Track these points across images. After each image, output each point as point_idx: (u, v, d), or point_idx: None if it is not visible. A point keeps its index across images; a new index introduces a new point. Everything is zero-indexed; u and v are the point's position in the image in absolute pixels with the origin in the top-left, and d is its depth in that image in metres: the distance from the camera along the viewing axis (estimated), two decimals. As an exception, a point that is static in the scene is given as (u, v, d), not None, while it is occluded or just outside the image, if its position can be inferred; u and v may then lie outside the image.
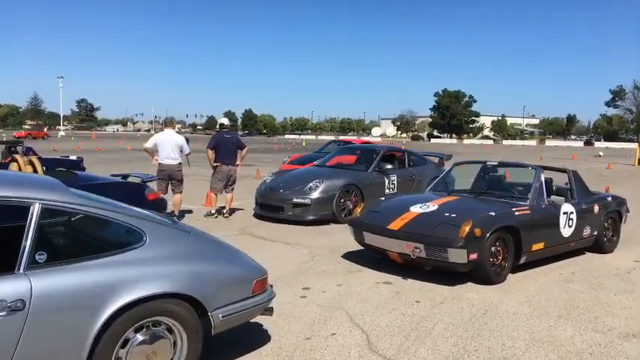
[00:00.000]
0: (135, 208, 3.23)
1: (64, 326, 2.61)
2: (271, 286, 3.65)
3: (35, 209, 2.65)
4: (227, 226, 8.37)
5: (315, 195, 8.58)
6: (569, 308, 4.78)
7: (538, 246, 5.89)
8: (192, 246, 3.31)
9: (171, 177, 8.46)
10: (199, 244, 3.40)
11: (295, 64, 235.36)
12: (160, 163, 8.45)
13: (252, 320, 3.68)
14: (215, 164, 9.01)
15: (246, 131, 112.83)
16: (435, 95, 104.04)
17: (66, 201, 2.79)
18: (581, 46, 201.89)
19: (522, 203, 5.97)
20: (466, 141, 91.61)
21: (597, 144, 75.82)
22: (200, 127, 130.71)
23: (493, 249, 5.41)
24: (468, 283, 5.40)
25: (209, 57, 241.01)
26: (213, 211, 9.07)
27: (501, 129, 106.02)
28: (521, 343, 3.93)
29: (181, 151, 8.55)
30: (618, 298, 5.11)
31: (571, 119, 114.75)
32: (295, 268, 5.89)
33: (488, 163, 7.18)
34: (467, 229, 5.13)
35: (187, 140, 8.94)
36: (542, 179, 6.31)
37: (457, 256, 5.15)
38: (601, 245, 6.96)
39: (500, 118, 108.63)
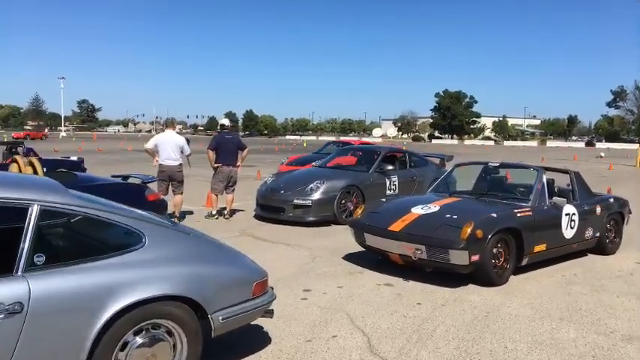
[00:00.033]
0: (134, 210, 3.21)
1: (63, 329, 2.59)
2: (272, 288, 3.62)
3: (33, 211, 2.63)
4: (228, 227, 8.35)
5: (316, 196, 8.56)
6: (572, 310, 4.75)
7: (540, 247, 5.86)
8: (192, 248, 3.28)
9: (172, 178, 8.44)
10: (199, 246, 3.38)
11: (296, 65, 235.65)
12: (160, 164, 8.44)
13: (252, 322, 3.65)
14: (216, 165, 9.00)
15: (247, 132, 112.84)
16: (435, 96, 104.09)
17: (64, 202, 2.77)
18: (582, 47, 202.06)
19: (524, 204, 5.95)
20: (467, 142, 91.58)
21: (598, 145, 75.73)
22: (201, 128, 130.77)
23: (495, 250, 5.39)
24: (470, 285, 5.37)
25: (210, 58, 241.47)
26: (213, 212, 9.05)
27: (502, 130, 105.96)
28: (523, 346, 3.90)
29: (182, 151, 8.54)
30: (621, 300, 5.08)
31: (572, 120, 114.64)
32: (296, 270, 5.86)
33: (489, 164, 7.15)
34: (468, 230, 5.11)
35: (188, 141, 8.93)
36: (544, 180, 6.28)
37: (459, 257, 5.12)
38: (603, 247, 6.93)
39: (501, 118, 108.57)
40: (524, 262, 5.72)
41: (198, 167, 13.79)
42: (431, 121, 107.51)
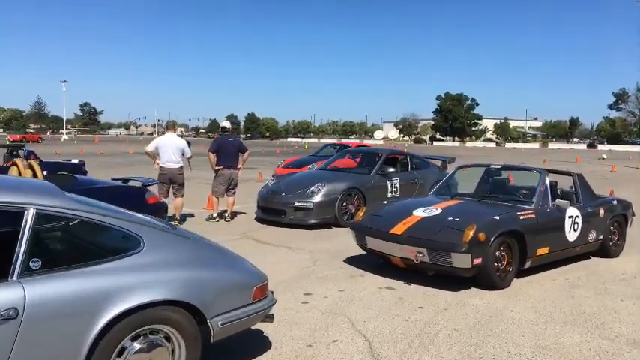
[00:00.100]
0: (132, 213, 3.17)
1: (59, 334, 2.55)
2: (272, 292, 3.58)
3: (30, 215, 2.60)
4: (229, 230, 8.32)
5: (317, 199, 8.52)
6: (576, 314, 4.70)
7: (543, 250, 5.81)
8: (191, 252, 3.24)
9: (173, 181, 8.42)
10: (198, 250, 3.34)
11: (297, 66, 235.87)
12: (161, 167, 8.41)
13: (252, 327, 3.61)
14: (217, 168, 8.98)
15: (249, 134, 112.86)
16: (437, 98, 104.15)
17: (61, 206, 2.73)
18: (584, 49, 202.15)
19: (527, 207, 5.90)
20: (469, 144, 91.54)
21: (600, 147, 75.63)
22: (203, 131, 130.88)
23: (497, 253, 5.34)
24: (472, 288, 5.33)
25: (211, 60, 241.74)
26: (214, 215, 9.02)
27: (504, 132, 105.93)
28: (526, 351, 3.85)
29: (183, 154, 8.52)
30: (625, 304, 5.02)
31: (574, 122, 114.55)
32: (297, 273, 5.82)
33: (491, 166, 7.10)
34: (471, 233, 5.06)
35: (189, 144, 8.91)
36: (547, 183, 6.24)
37: (461, 260, 5.08)
38: (607, 249, 6.87)
39: (502, 121, 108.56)
40: (527, 265, 5.67)
41: (199, 170, 13.77)
42: (432, 123, 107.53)
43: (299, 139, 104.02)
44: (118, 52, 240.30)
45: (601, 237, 6.72)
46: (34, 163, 6.41)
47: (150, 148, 8.59)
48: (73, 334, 2.57)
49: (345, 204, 8.74)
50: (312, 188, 8.65)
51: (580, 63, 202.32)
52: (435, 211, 5.78)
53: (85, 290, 2.61)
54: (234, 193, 9.11)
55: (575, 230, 6.23)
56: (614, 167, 27.73)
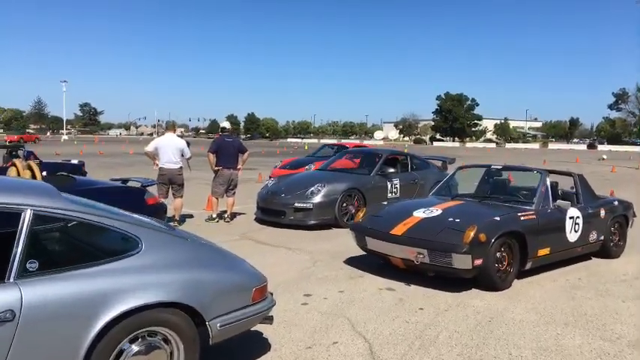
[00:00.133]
0: (130, 214, 3.15)
1: (56, 337, 2.52)
2: (271, 293, 3.56)
3: (26, 216, 2.57)
4: (228, 230, 8.29)
5: (317, 199, 8.49)
6: (577, 315, 4.67)
7: (544, 251, 5.79)
8: (190, 253, 3.22)
9: (172, 181, 8.39)
10: (197, 251, 3.32)
11: (297, 67, 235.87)
12: (160, 167, 8.39)
13: (251, 329, 3.59)
14: (216, 168, 8.96)
15: (249, 135, 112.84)
16: (437, 98, 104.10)
17: (59, 207, 2.71)
18: (584, 49, 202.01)
19: (528, 208, 5.88)
20: (469, 144, 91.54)
21: (600, 147, 75.58)
22: (203, 131, 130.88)
23: (498, 254, 5.32)
24: (473, 289, 5.30)
25: (211, 60, 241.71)
26: (214, 216, 9.00)
27: (504, 132, 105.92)
28: (528, 353, 3.83)
29: (182, 155, 8.49)
30: (627, 305, 5.00)
31: (574, 122, 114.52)
32: (296, 274, 5.79)
33: (492, 166, 7.08)
34: (471, 234, 5.04)
35: (188, 144, 8.90)
36: (548, 183, 6.21)
37: (461, 261, 5.05)
38: (608, 250, 6.85)
39: (502, 121, 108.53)
40: (528, 266, 5.65)
41: (199, 170, 13.74)
42: (432, 123, 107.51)
43: (299, 140, 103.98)
44: (117, 52, 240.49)
45: (602, 238, 6.70)
46: (33, 163, 6.40)
47: (149, 148, 8.57)
48: (71, 336, 2.55)
49: (345, 204, 8.72)
50: (312, 189, 8.63)
51: (580, 64, 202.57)
52: (436, 211, 5.75)
53: (82, 292, 2.59)
54: (234, 193, 9.09)
55: (576, 231, 6.20)
56: (614, 167, 27.71)
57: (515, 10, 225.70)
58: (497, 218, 5.44)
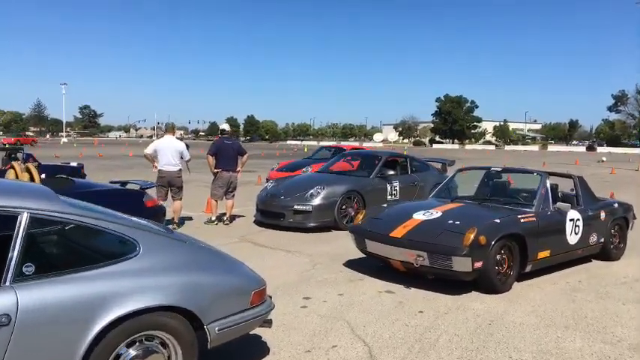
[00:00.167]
0: (128, 217, 3.13)
1: (53, 341, 2.50)
2: (270, 296, 3.53)
3: (23, 219, 2.55)
4: (227, 233, 8.27)
5: (317, 201, 8.48)
6: (577, 318, 4.65)
7: (544, 254, 5.77)
8: (188, 256, 3.20)
9: (171, 183, 8.37)
10: (195, 254, 3.30)
11: (297, 69, 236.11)
12: (159, 170, 8.37)
13: (250, 332, 3.56)
14: (215, 170, 8.94)
15: (248, 137, 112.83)
16: (436, 101, 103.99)
17: (56, 210, 2.69)
18: (583, 51, 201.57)
19: (528, 210, 5.86)
20: (468, 146, 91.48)
21: (600, 149, 75.53)
22: (203, 133, 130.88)
23: (498, 257, 5.30)
24: (473, 292, 5.28)
25: (211, 63, 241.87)
26: (213, 218, 8.98)
27: (503, 134, 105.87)
28: (528, 356, 3.81)
29: (181, 157, 8.48)
30: (627, 308, 4.98)
31: (573, 124, 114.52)
32: (296, 277, 5.77)
33: (492, 169, 7.07)
34: (471, 236, 5.02)
35: (187, 146, 8.89)
36: (548, 185, 6.20)
37: (461, 264, 5.03)
38: (608, 252, 6.83)
39: (502, 123, 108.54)
40: (528, 268, 5.63)
41: (198, 173, 13.73)
42: (432, 125, 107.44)
43: (298, 142, 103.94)
44: (117, 54, 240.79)
45: (602, 240, 6.68)
46: (32, 166, 6.37)
47: (148, 150, 8.55)
48: (67, 340, 2.53)
49: (344, 207, 8.69)
50: (312, 191, 8.61)
51: (579, 65, 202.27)
52: (435, 214, 5.74)
53: (79, 296, 2.57)
54: (233, 195, 9.07)
55: (576, 233, 6.18)
56: (614, 169, 27.69)
57: (514, 12, 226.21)
58: (498, 220, 5.42)
